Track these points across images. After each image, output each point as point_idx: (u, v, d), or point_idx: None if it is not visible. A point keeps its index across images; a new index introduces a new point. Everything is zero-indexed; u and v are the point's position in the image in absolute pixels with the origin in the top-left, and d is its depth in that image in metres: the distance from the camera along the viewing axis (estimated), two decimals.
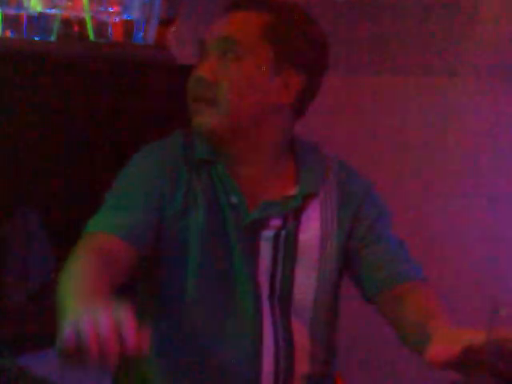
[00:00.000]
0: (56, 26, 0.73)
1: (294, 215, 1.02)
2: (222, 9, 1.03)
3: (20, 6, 0.58)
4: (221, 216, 1.03)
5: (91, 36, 0.68)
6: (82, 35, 0.71)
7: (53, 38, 0.72)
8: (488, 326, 0.75)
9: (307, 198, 1.03)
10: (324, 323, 1.11)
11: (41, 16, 0.67)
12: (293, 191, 1.04)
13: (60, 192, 1.37)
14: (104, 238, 1.01)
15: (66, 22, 0.73)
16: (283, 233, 1.02)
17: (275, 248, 1.03)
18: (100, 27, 0.70)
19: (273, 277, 1.03)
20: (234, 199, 1.01)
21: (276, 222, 1.00)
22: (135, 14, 0.66)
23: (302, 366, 1.10)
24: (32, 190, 1.29)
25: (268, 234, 0.99)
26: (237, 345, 1.07)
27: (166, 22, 1.83)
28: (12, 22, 0.72)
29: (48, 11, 0.68)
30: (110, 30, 0.69)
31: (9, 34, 0.72)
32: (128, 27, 0.69)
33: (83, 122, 1.68)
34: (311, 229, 1.03)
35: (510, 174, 1.69)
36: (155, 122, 1.72)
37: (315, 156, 1.10)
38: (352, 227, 1.06)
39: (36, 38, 0.72)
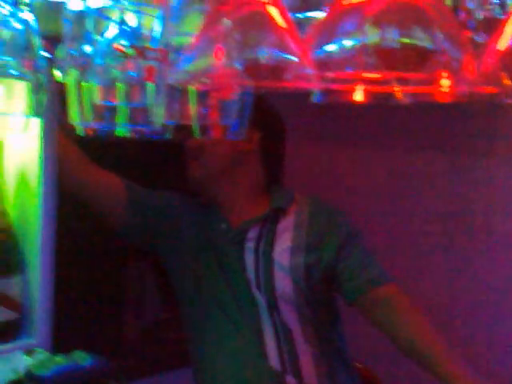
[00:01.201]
0: (170, 129, 0.94)
1: (268, 229, 1.34)
2: None
3: (147, 120, 0.76)
4: (215, 241, 1.34)
5: (197, 135, 0.87)
6: (190, 134, 0.91)
7: (167, 137, 0.94)
8: None
9: (277, 211, 1.37)
10: (313, 319, 1.35)
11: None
12: (266, 211, 1.37)
13: None
14: None
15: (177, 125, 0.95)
16: (262, 243, 1.32)
17: (256, 255, 1.32)
18: (204, 128, 0.90)
19: (257, 279, 1.32)
20: (223, 226, 1.36)
21: (254, 234, 1.33)
22: (231, 120, 0.85)
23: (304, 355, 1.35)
24: None
25: (249, 245, 1.28)
26: (242, 335, 1.33)
27: None
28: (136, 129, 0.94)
29: (167, 123, 0.89)
30: (211, 130, 0.90)
31: (134, 135, 0.95)
32: (225, 129, 0.89)
33: None
34: (284, 240, 1.33)
35: None
36: None
37: (287, 191, 1.44)
38: (322, 246, 1.34)
39: (155, 138, 0.94)
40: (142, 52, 0.60)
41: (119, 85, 0.77)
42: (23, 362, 1.15)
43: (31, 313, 1.23)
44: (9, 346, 1.20)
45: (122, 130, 0.96)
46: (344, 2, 0.54)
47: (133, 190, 1.47)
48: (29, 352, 1.19)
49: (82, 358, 1.11)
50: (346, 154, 2.14)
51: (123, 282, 1.87)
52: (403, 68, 0.70)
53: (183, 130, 0.93)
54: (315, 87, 0.59)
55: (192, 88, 0.82)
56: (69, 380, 1.06)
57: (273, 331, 1.36)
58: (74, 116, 0.72)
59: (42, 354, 1.19)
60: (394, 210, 2.02)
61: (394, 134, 2.01)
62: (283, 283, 1.38)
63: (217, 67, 0.68)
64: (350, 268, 1.38)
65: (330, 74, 0.55)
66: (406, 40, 0.68)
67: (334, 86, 0.62)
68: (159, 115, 0.70)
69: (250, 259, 1.41)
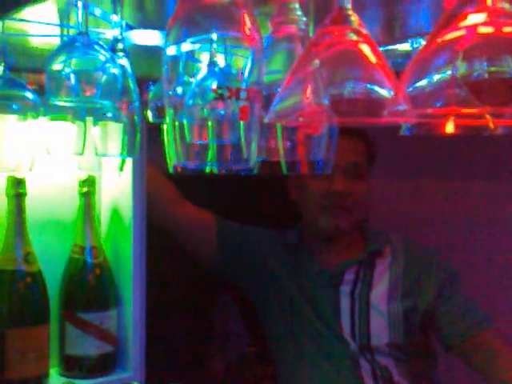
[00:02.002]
0: (257, 164, 0.96)
1: (365, 270, 1.32)
2: None
3: (239, 159, 0.78)
4: (309, 282, 1.33)
5: (284, 171, 0.89)
6: (278, 169, 0.93)
7: (254, 172, 0.96)
8: None
9: (374, 255, 1.34)
10: (409, 359, 1.31)
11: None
12: (362, 253, 1.35)
13: None
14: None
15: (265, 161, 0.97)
16: (358, 286, 1.30)
17: (352, 299, 1.30)
18: (292, 163, 0.91)
19: (352, 324, 1.29)
20: (316, 267, 1.34)
21: (350, 276, 1.30)
22: (319, 155, 0.86)
23: None
24: None
25: (346, 288, 1.25)
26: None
27: None
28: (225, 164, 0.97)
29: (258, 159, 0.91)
30: (298, 165, 0.91)
31: (223, 171, 0.97)
32: (313, 164, 0.90)
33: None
34: (381, 281, 1.29)
35: None
36: None
37: (380, 231, 1.42)
38: (420, 289, 1.30)
39: (243, 173, 0.96)
40: (236, 93, 0.62)
41: (209, 123, 0.80)
42: None
43: (126, 346, 1.27)
44: (106, 378, 1.24)
45: (211, 168, 0.99)
46: (438, 40, 0.54)
47: (223, 226, 1.50)
48: None
49: None
50: (410, 186, 2.11)
51: (211, 316, 1.90)
52: (494, 99, 0.69)
53: (270, 165, 0.94)
54: (410, 122, 0.59)
55: (279, 124, 0.83)
56: None
57: (371, 372, 1.35)
58: (170, 155, 0.75)
59: None
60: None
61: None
62: (379, 328, 1.36)
63: (305, 104, 0.70)
64: (450, 312, 1.35)
65: (424, 110, 0.54)
66: (495, 69, 0.67)
67: (427, 121, 0.61)
68: (253, 153, 0.71)
69: (345, 303, 1.40)
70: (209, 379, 1.81)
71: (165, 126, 0.76)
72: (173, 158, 0.75)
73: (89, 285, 1.25)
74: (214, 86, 0.68)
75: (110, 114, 0.91)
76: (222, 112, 0.78)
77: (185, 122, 0.81)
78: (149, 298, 1.28)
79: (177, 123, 0.83)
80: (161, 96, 1.02)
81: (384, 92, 0.58)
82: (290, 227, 1.55)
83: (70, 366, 1.23)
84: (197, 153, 0.83)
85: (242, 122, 0.72)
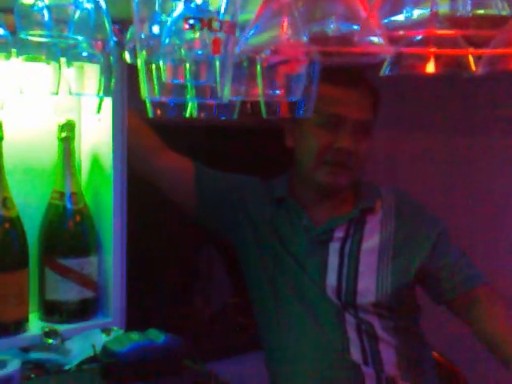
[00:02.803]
0: (237, 107, 0.94)
1: (355, 227, 1.30)
2: (334, 80, 1.27)
3: (215, 96, 0.77)
4: (296, 237, 1.31)
5: (264, 114, 0.87)
6: (257, 113, 0.91)
7: (235, 117, 0.94)
8: None
9: (365, 211, 1.32)
10: (394, 314, 1.31)
11: (228, 102, 0.88)
12: (352, 210, 1.33)
13: None
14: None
15: (244, 104, 0.95)
16: (348, 243, 1.28)
17: (341, 256, 1.28)
18: (270, 106, 0.89)
19: (339, 282, 1.28)
20: (304, 222, 1.31)
21: (340, 234, 1.30)
22: (298, 95, 0.84)
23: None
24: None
25: (335, 245, 1.24)
26: (325, 341, 1.30)
27: None
28: (205, 107, 0.95)
29: (233, 98, 0.89)
30: (278, 108, 0.89)
31: (202, 115, 0.95)
32: (292, 105, 0.88)
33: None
34: (372, 239, 1.28)
35: None
36: None
37: (371, 185, 1.39)
38: (413, 247, 1.29)
39: (222, 117, 0.94)
40: (208, 23, 0.59)
41: (187, 63, 0.78)
42: (100, 339, 1.19)
43: (106, 292, 1.27)
44: (86, 324, 1.24)
45: (190, 110, 0.96)
46: None
47: (202, 173, 1.47)
48: (105, 330, 1.23)
49: (156, 336, 1.13)
50: (408, 141, 2.09)
51: (194, 266, 1.90)
52: (477, 36, 0.67)
53: (245, 110, 0.92)
54: (385, 52, 0.58)
55: (258, 64, 0.81)
56: (144, 356, 1.08)
57: (355, 326, 1.34)
58: (144, 94, 0.73)
59: (117, 332, 1.23)
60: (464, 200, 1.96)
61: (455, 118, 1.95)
62: (366, 288, 1.34)
63: (282, 39, 0.68)
64: (446, 267, 1.34)
65: (399, 33, 0.53)
66: (480, 11, 0.66)
67: (406, 50, 0.60)
68: (226, 90, 0.69)
69: (333, 260, 1.37)
70: (191, 327, 1.82)
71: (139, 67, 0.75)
72: (146, 96, 0.73)
73: (69, 231, 1.24)
74: (187, 20, 0.66)
75: (85, 54, 0.89)
76: (199, 51, 0.76)
77: (161, 62, 0.79)
78: (130, 245, 1.27)
79: (152, 64, 0.81)
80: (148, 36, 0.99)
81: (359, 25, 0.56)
82: (276, 176, 1.51)
83: (50, 311, 1.23)
84: (173, 90, 0.81)
85: (218, 61, 0.70)
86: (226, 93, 0.69)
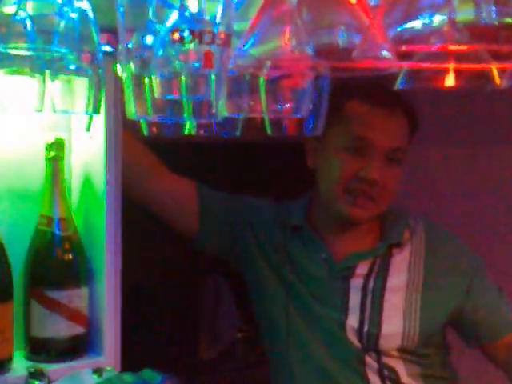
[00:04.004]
0: (240, 123, 0.94)
1: (380, 263, 1.27)
2: (366, 99, 1.25)
3: (210, 114, 0.77)
4: (313, 270, 1.29)
5: (269, 131, 0.86)
6: (262, 130, 0.90)
7: (237, 134, 0.94)
8: None
9: (392, 247, 1.29)
10: (420, 359, 1.28)
11: (227, 118, 0.88)
12: (378, 243, 1.30)
13: None
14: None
15: (248, 120, 0.94)
16: (371, 280, 1.25)
17: (364, 294, 1.25)
18: (276, 123, 0.89)
19: (361, 323, 1.25)
20: (323, 255, 1.29)
21: (363, 270, 1.28)
22: (305, 111, 0.84)
23: None
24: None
25: (357, 282, 1.21)
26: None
27: None
28: (205, 124, 0.94)
29: (233, 116, 0.89)
30: (284, 125, 0.89)
31: (202, 132, 0.95)
32: (300, 122, 0.88)
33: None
34: (398, 277, 1.25)
35: None
36: None
37: (398, 215, 1.36)
38: (446, 285, 1.25)
39: (224, 135, 0.94)
40: (199, 35, 0.59)
41: (182, 77, 0.78)
42: (91, 381, 1.18)
43: (98, 327, 1.26)
44: (76, 363, 1.23)
45: (188, 127, 0.96)
46: None
47: (206, 195, 1.46)
48: (97, 370, 1.22)
49: (152, 377, 1.12)
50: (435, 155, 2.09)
51: (199, 296, 1.89)
52: (499, 49, 0.67)
53: (254, 125, 0.92)
54: (393, 66, 0.57)
55: (261, 77, 0.81)
56: None
57: (377, 371, 1.31)
58: (130, 112, 0.73)
59: (110, 372, 1.22)
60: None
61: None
62: (392, 331, 1.31)
63: (285, 51, 0.67)
64: (484, 308, 1.31)
65: (405, 48, 0.52)
66: (506, 18, 0.65)
67: (418, 66, 0.59)
68: (221, 106, 0.69)
69: (355, 298, 1.33)
70: (194, 367, 1.81)
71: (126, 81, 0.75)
72: (134, 115, 0.73)
73: (57, 260, 1.24)
74: (179, 31, 0.66)
75: (72, 67, 0.89)
76: (196, 64, 0.76)
77: (153, 75, 0.79)
78: (125, 275, 1.27)
79: (144, 77, 0.81)
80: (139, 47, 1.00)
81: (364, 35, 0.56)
82: (292, 197, 1.50)
83: (37, 348, 1.23)
84: (166, 110, 0.81)
85: (212, 72, 0.70)
86: (221, 109, 0.69)
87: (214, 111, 0.70)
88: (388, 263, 1.34)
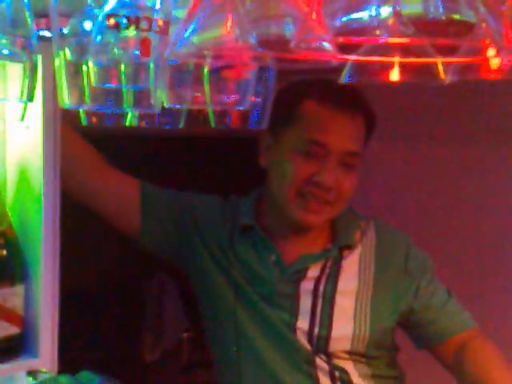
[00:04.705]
0: (183, 116, 0.94)
1: (331, 266, 1.29)
2: (327, 101, 1.25)
3: (150, 105, 0.77)
4: (263, 271, 1.30)
5: (212, 124, 0.87)
6: (206, 122, 0.91)
7: (181, 126, 0.94)
8: None
9: (343, 249, 1.31)
10: (370, 360, 1.31)
11: (170, 110, 0.88)
12: (329, 246, 1.32)
13: None
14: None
15: (191, 112, 0.95)
16: (322, 283, 1.27)
17: (314, 297, 1.27)
18: (220, 115, 0.89)
19: (311, 327, 1.27)
20: (273, 257, 1.31)
21: (314, 273, 1.29)
22: (249, 104, 0.84)
23: None
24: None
25: (307, 285, 1.24)
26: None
27: None
28: (147, 115, 0.94)
29: (176, 107, 0.89)
30: (228, 117, 0.89)
31: (143, 124, 0.95)
32: (244, 115, 0.89)
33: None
34: (349, 279, 1.27)
35: None
36: None
37: (351, 216, 1.38)
38: (396, 287, 1.29)
39: (166, 127, 0.94)
40: (136, 22, 0.59)
41: (121, 65, 0.78)
42: (25, 383, 1.16)
43: (34, 328, 1.25)
44: (10, 365, 1.22)
45: (129, 118, 0.96)
46: None
47: (149, 192, 1.45)
48: (32, 372, 1.21)
49: (89, 380, 1.11)
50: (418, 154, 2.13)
51: (142, 295, 1.89)
52: (444, 43, 0.68)
53: (197, 118, 0.92)
54: (333, 58, 0.58)
55: (205, 67, 0.81)
56: None
57: (328, 373, 1.33)
58: (63, 101, 0.72)
59: (45, 375, 1.21)
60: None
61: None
62: (342, 335, 1.33)
63: (227, 40, 0.68)
64: (432, 310, 1.33)
65: (343, 39, 0.53)
66: (453, 15, 0.67)
67: (360, 60, 0.60)
68: (161, 96, 0.69)
69: (306, 301, 1.34)
70: (136, 368, 1.80)
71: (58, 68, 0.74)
72: (66, 104, 0.73)
73: None
74: (115, 16, 0.66)
75: (5, 51, 0.88)
76: (137, 51, 0.76)
77: (91, 63, 0.78)
78: (63, 272, 1.25)
79: (81, 65, 0.80)
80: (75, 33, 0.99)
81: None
82: (240, 195, 1.50)
83: None
84: (104, 99, 0.81)
85: (151, 61, 0.70)
86: (161, 100, 0.69)
87: (152, 102, 0.70)
88: (339, 266, 1.35)
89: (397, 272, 1.35)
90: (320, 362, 1.32)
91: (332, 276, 1.33)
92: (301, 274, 1.33)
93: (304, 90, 1.30)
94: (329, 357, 1.32)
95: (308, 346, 1.31)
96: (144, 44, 0.60)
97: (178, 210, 1.45)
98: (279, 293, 1.35)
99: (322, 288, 1.34)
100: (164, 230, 1.44)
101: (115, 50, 0.76)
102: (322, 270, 1.34)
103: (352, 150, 1.29)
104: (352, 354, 1.33)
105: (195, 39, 0.66)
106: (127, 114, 0.93)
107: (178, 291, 1.89)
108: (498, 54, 0.56)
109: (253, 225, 1.38)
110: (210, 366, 1.49)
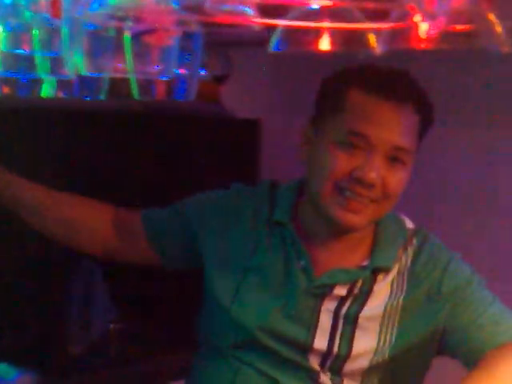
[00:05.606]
0: (105, 86, 0.92)
1: (360, 287, 1.21)
2: (374, 90, 1.19)
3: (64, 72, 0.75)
4: (288, 278, 1.24)
5: (136, 95, 0.85)
6: (129, 94, 0.89)
7: (102, 97, 0.92)
8: None
9: (379, 272, 1.22)
10: None
11: (91, 78, 0.86)
12: (365, 262, 1.24)
13: None
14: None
15: (114, 82, 0.93)
16: (347, 305, 1.20)
17: (335, 318, 1.21)
18: (144, 86, 0.88)
19: (329, 346, 1.21)
20: (302, 263, 1.23)
21: (341, 292, 1.22)
22: (169, 73, 0.83)
23: None
24: None
25: (330, 303, 1.18)
26: None
27: (219, 79, 2.15)
28: (64, 84, 0.93)
29: (95, 75, 0.87)
30: (153, 88, 0.88)
31: (61, 94, 0.93)
32: (170, 85, 0.88)
33: (132, 175, 1.94)
34: (377, 302, 1.20)
35: None
36: (205, 172, 2.01)
37: (396, 228, 1.29)
38: (426, 307, 1.21)
39: (87, 98, 0.92)
40: None
41: (34, 30, 0.76)
42: None
43: None
44: None
45: (45, 88, 0.94)
46: None
47: (153, 222, 1.42)
48: None
49: (6, 372, 1.10)
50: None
51: (67, 284, 1.87)
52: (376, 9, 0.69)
53: (119, 88, 0.91)
54: (252, 23, 0.58)
55: (126, 34, 0.81)
56: None
57: None
58: None
59: None
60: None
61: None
62: (363, 353, 1.25)
63: (148, 2, 0.67)
64: (471, 325, 1.25)
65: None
66: None
67: (277, 24, 0.60)
68: (77, 63, 0.68)
69: (325, 319, 1.25)
70: (58, 360, 1.79)
71: None
72: None
73: None
74: None
75: None
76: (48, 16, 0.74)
77: (0, 27, 0.77)
78: None
79: None
80: None
81: None
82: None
83: None
84: (16, 65, 0.79)
85: (64, 25, 0.69)
86: (76, 67, 0.68)
87: (67, 69, 0.69)
88: (369, 289, 1.26)
89: (427, 294, 1.27)
90: (325, 379, 1.26)
91: (359, 299, 1.23)
92: (326, 290, 1.26)
93: (348, 78, 1.21)
94: (338, 376, 1.27)
95: (316, 365, 1.26)
96: (54, 5, 0.59)
97: (184, 221, 1.39)
98: (300, 304, 1.28)
99: (344, 310, 1.23)
100: (177, 245, 1.41)
101: (26, 13, 0.75)
102: (350, 290, 1.25)
103: (399, 145, 1.20)
104: (363, 375, 1.27)
105: (112, 0, 0.65)
106: (42, 83, 0.91)
107: (106, 280, 1.88)
108: (423, 19, 0.57)
109: (286, 223, 1.30)
110: (139, 361, 1.48)
